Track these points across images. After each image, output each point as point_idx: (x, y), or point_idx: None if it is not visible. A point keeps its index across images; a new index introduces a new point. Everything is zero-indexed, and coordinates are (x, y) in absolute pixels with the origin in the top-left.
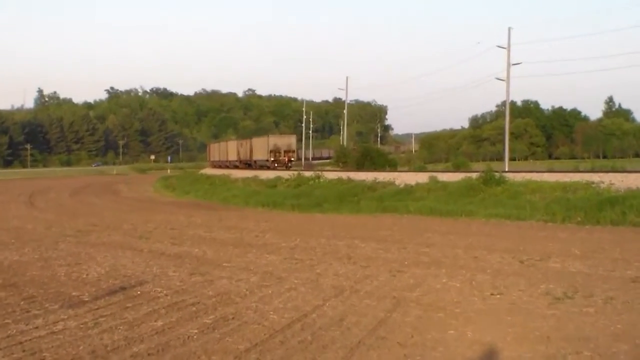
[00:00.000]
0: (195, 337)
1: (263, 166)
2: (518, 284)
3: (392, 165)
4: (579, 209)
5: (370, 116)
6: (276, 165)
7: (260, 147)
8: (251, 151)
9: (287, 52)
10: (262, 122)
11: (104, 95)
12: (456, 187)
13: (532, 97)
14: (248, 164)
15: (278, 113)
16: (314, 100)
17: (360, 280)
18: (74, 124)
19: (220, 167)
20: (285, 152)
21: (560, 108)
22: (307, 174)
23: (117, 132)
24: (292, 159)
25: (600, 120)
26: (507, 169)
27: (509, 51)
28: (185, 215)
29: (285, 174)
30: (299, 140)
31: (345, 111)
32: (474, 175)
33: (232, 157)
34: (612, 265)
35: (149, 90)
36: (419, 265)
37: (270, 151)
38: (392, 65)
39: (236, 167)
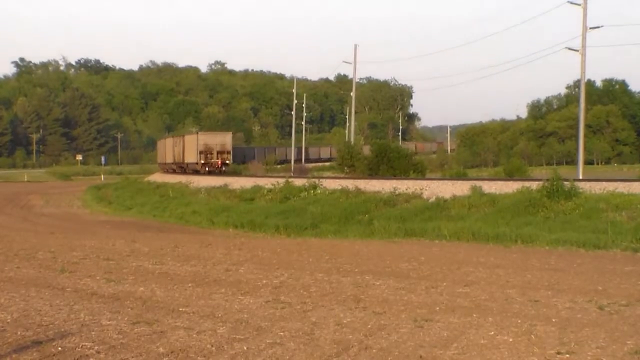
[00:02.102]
0: None
1: (194, 170)
2: (596, 338)
3: (418, 171)
4: None
5: (389, 101)
6: (207, 169)
7: (191, 147)
8: (183, 152)
9: (270, 10)
10: (234, 107)
11: (10, 70)
12: (509, 202)
13: (618, 76)
14: (182, 168)
15: (257, 95)
16: (309, 78)
17: (373, 332)
18: None
19: (175, 172)
20: (218, 153)
21: None
22: (299, 182)
23: (29, 121)
24: (227, 161)
25: None
26: (581, 177)
27: (585, 9)
28: (126, 239)
29: (267, 183)
30: (288, 133)
31: (352, 94)
32: (535, 185)
33: (169, 158)
34: None
35: (74, 63)
36: (455, 312)
37: (200, 152)
38: (419, 30)
39: (174, 171)
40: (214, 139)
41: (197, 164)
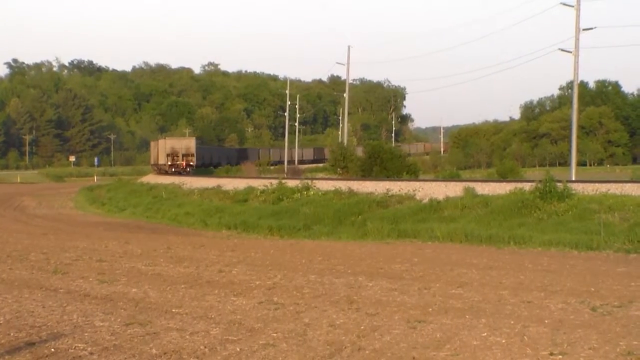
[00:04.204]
0: None
1: (164, 171)
2: (588, 339)
3: (411, 172)
4: None
5: (382, 102)
6: (173, 170)
7: (162, 150)
8: (158, 154)
9: (264, 11)
10: (227, 109)
11: (3, 71)
12: (502, 203)
13: (611, 77)
14: (158, 168)
15: (251, 97)
16: (302, 79)
17: (366, 333)
18: None
19: (167, 172)
20: (183, 155)
21: None
22: (292, 183)
23: (22, 123)
24: (191, 163)
25: None
26: (574, 178)
27: (577, 11)
28: (119, 241)
29: (260, 184)
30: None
31: (346, 95)
32: (528, 186)
33: (153, 160)
34: None
35: (67, 64)
36: (448, 313)
37: (168, 155)
38: (412, 31)
39: (160, 171)
40: (179, 143)
41: (165, 165)
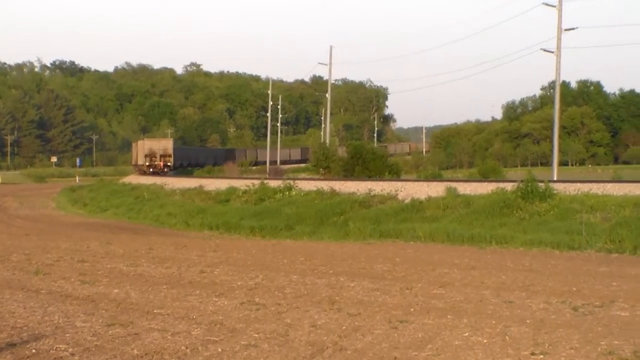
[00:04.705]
0: None
1: (143, 171)
2: (570, 339)
3: (393, 172)
4: None
5: (364, 102)
6: (151, 170)
7: (141, 151)
8: (137, 155)
9: (246, 12)
10: (210, 109)
11: None
12: (484, 203)
13: (592, 77)
14: (139, 169)
15: (233, 97)
16: (284, 79)
17: (348, 333)
18: None
19: (145, 173)
20: (161, 156)
21: (632, 92)
22: (274, 183)
23: (3, 123)
24: (169, 163)
25: None
26: (555, 178)
27: (559, 11)
28: (101, 241)
29: (242, 184)
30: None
31: (328, 95)
32: (510, 186)
33: (134, 160)
34: None
35: (49, 65)
36: (430, 313)
37: (146, 155)
38: (395, 31)
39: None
40: (157, 144)
41: (143, 165)
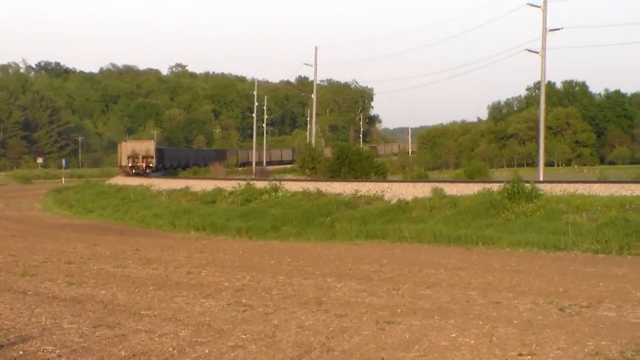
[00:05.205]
0: None
1: (126, 172)
2: (557, 340)
3: (380, 173)
4: None
5: (350, 103)
6: (134, 171)
7: (124, 153)
8: (121, 156)
9: (231, 12)
10: (195, 110)
11: None
12: (470, 203)
13: (578, 78)
14: (123, 170)
15: (218, 98)
16: (270, 80)
17: (335, 334)
18: None
19: (128, 174)
20: (143, 157)
21: (617, 93)
22: (260, 184)
23: None
24: (151, 164)
25: None
26: (541, 179)
27: (544, 12)
28: (88, 242)
29: (229, 185)
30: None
31: (314, 95)
32: (496, 187)
33: (119, 161)
34: None
35: (34, 66)
36: (417, 314)
37: (129, 157)
38: (380, 31)
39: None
40: (140, 145)
41: (126, 166)
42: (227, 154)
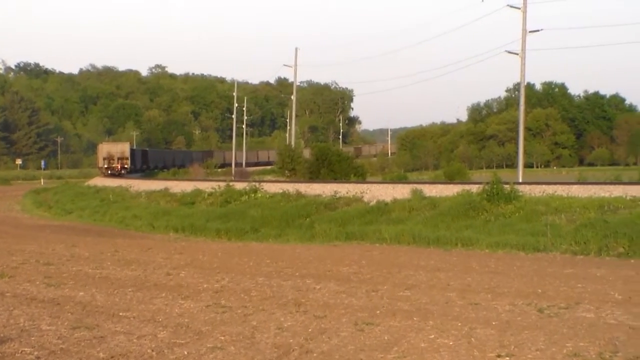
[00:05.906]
0: None
1: (102, 173)
2: (535, 341)
3: (359, 174)
4: (621, 235)
5: (330, 104)
6: (109, 172)
7: (100, 154)
8: (98, 158)
9: (211, 13)
10: (175, 111)
11: None
12: (449, 205)
13: (557, 79)
14: (101, 171)
15: (198, 99)
16: (249, 81)
17: (314, 336)
18: None
19: (104, 175)
20: (118, 159)
21: (596, 94)
22: (239, 185)
23: None
24: (126, 166)
25: None
26: (521, 180)
27: (524, 13)
28: (66, 244)
29: (208, 187)
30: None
31: (293, 97)
32: (475, 188)
33: (98, 162)
34: None
35: (13, 67)
36: (396, 315)
37: (104, 158)
38: (360, 33)
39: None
40: (115, 147)
41: (102, 167)
42: (214, 155)
